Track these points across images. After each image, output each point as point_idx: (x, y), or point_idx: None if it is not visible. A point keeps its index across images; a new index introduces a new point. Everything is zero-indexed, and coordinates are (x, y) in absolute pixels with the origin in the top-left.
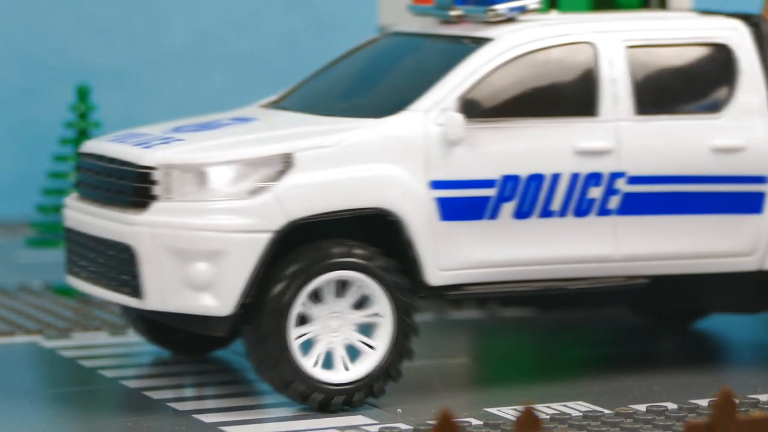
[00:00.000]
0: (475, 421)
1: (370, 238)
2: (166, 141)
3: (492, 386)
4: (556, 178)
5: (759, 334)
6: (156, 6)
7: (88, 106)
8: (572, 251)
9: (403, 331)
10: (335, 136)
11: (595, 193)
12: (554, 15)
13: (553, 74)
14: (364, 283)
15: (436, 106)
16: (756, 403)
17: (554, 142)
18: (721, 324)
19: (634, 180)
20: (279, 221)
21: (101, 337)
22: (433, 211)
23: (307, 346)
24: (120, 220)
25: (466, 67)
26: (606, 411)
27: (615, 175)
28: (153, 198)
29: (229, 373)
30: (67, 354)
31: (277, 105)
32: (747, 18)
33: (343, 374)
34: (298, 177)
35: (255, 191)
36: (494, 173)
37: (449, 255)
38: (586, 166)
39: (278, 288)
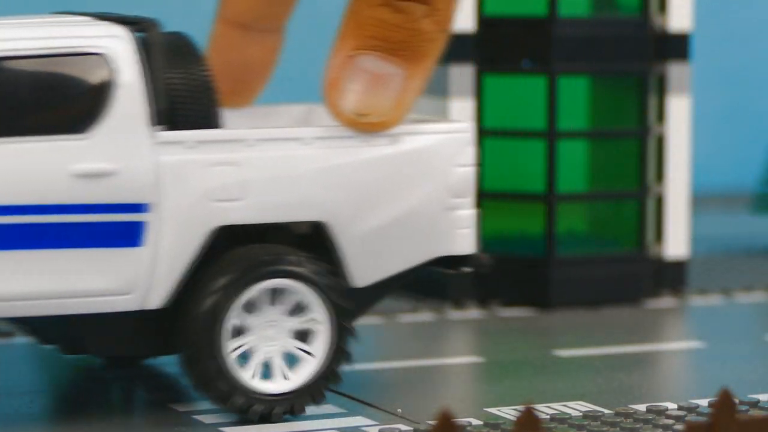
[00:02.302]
0: (475, 421)
1: None
2: None
3: (492, 386)
4: None
5: None
6: (156, 6)
7: None
8: None
9: None
10: None
11: None
12: None
13: None
14: None
15: None
16: (756, 403)
17: None
18: None
19: None
20: None
21: None
22: None
23: None
24: None
25: None
26: (606, 411)
27: None
28: None
29: None
30: (69, 354)
31: None
32: (137, 24)
33: None
34: None
35: None
36: None
37: None
38: None
39: None
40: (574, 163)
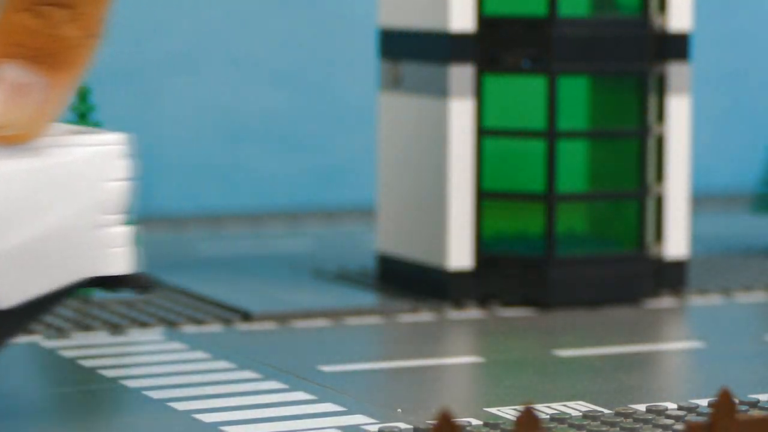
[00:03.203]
0: (475, 421)
1: None
2: None
3: (492, 386)
4: None
5: None
6: (156, 6)
7: (88, 106)
8: None
9: None
10: None
11: None
12: None
13: None
14: None
15: None
16: (756, 403)
17: None
18: None
19: None
20: None
21: (101, 337)
22: None
23: None
24: None
25: None
26: (606, 411)
27: None
28: None
29: (229, 373)
30: (67, 354)
31: None
32: None
33: None
34: None
35: None
36: None
37: None
38: None
39: None
40: (574, 163)
